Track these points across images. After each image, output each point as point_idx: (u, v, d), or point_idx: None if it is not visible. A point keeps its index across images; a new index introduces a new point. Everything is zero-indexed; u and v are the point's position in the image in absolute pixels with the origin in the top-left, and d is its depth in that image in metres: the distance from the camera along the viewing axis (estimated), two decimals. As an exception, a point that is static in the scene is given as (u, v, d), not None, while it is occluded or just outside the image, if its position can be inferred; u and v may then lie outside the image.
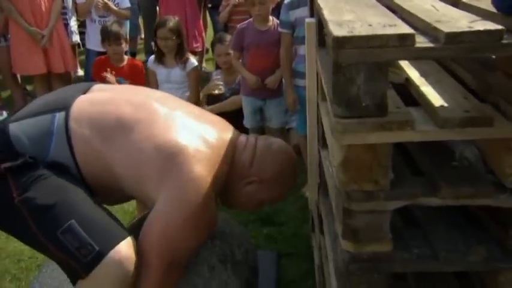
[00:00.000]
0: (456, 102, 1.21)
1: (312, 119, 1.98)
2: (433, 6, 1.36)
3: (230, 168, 1.61)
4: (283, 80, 3.35)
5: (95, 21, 4.65)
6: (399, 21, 1.18)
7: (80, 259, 1.39)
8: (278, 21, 3.26)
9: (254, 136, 1.72)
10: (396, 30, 1.09)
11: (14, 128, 1.54)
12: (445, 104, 1.20)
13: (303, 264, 2.50)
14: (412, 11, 1.31)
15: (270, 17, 3.40)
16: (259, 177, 1.63)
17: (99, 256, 1.39)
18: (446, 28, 1.08)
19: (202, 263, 1.60)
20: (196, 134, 1.55)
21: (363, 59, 1.08)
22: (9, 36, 4.55)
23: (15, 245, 2.69)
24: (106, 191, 1.58)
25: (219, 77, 3.87)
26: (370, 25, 1.15)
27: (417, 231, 1.33)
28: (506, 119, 1.16)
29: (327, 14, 1.36)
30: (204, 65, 5.87)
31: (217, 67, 4.09)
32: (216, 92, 3.78)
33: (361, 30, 1.11)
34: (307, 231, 2.61)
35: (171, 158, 1.47)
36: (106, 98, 1.62)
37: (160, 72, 3.75)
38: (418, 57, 1.12)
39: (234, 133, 1.68)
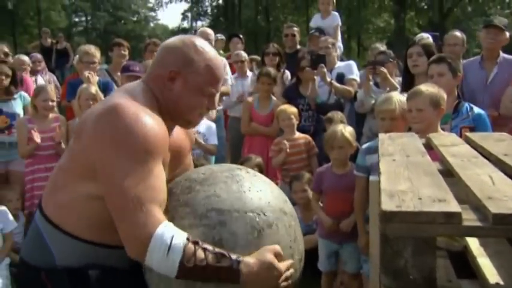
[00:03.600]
0: (512, 280, 1.19)
1: (374, 275, 1.97)
2: (490, 177, 1.39)
3: (148, 88, 1.64)
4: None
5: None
6: (450, 196, 1.22)
7: None
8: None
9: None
10: (443, 207, 1.13)
11: None
12: (501, 282, 1.18)
13: None
14: (468, 182, 1.35)
15: (349, 162, 3.51)
16: (174, 69, 1.61)
17: None
18: (494, 208, 1.10)
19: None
20: None
21: (410, 233, 1.12)
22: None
23: None
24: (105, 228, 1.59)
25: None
26: (419, 198, 1.20)
27: None
28: None
29: (383, 180, 1.43)
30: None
31: (294, 203, 4.19)
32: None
33: (409, 204, 1.16)
34: None
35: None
36: None
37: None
38: (465, 235, 1.14)
39: None
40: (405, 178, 1.43)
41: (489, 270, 1.24)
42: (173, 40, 1.70)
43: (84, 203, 1.58)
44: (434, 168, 1.56)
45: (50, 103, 4.36)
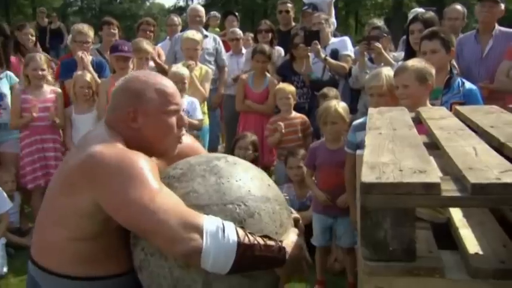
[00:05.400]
0: (493, 250, 1.19)
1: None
2: (474, 148, 1.38)
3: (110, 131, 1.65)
4: (353, 198, 3.36)
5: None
6: (431, 167, 1.22)
7: None
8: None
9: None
10: (423, 178, 1.12)
11: None
12: (481, 252, 1.18)
13: None
14: (451, 153, 1.34)
15: (342, 137, 3.50)
16: (130, 108, 1.64)
17: None
18: (473, 178, 1.10)
19: None
20: None
21: (389, 205, 1.12)
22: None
23: None
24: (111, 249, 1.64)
25: (285, 194, 3.95)
26: (400, 170, 1.20)
27: None
28: (547, 273, 1.11)
29: (367, 153, 1.42)
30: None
31: (289, 180, 4.18)
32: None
33: (389, 176, 1.16)
34: None
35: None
36: None
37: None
38: (444, 205, 1.14)
39: None
40: (389, 150, 1.42)
41: (470, 241, 1.24)
42: (118, 82, 1.75)
43: (64, 244, 1.60)
44: (419, 141, 1.55)
45: (40, 72, 4.30)
